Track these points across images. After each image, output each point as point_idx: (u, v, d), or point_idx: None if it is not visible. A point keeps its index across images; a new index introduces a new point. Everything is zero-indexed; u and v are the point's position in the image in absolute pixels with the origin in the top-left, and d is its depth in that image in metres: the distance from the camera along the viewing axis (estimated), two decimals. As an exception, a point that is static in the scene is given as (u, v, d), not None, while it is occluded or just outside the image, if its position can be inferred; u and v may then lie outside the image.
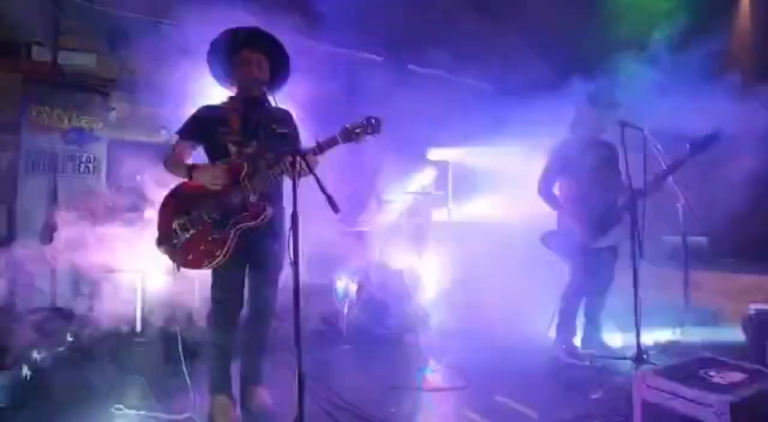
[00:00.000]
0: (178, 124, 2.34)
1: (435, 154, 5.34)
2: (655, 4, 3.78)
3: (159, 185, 4.52)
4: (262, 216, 2.12)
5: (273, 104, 2.03)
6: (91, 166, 4.47)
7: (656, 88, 3.64)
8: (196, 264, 2.11)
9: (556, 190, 3.32)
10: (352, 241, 4.19)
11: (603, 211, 3.14)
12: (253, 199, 2.12)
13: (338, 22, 4.40)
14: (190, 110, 2.36)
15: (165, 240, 2.13)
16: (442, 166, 5.30)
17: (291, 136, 1.73)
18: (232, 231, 2.10)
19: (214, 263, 2.10)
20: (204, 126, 2.22)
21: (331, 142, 2.01)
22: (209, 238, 2.09)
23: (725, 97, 3.40)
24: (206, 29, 2.53)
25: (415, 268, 4.13)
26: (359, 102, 4.75)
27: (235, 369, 2.31)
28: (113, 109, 4.60)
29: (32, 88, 4.27)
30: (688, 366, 2.01)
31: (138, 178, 4.67)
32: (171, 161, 2.24)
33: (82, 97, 4.45)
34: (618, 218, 3.14)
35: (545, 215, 3.39)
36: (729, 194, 3.89)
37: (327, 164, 2.32)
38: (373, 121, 1.99)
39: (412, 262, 4.22)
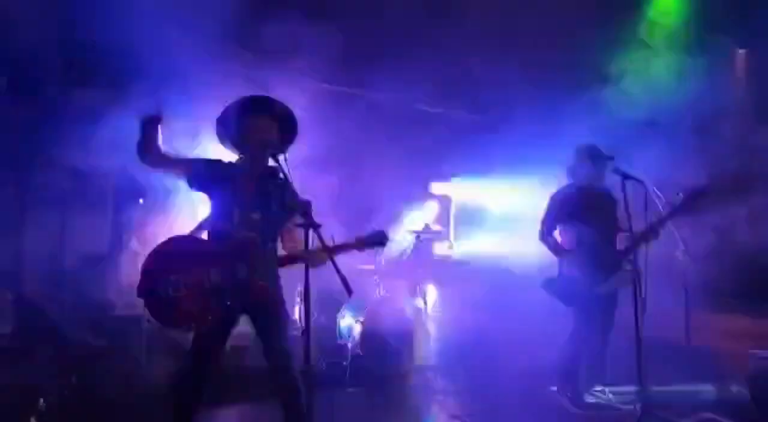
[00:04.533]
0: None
1: (437, 188, 5.42)
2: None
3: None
4: (263, 297, 2.15)
5: (284, 170, 2.04)
6: (98, 199, 4.52)
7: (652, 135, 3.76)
8: (182, 324, 2.08)
9: (557, 236, 3.37)
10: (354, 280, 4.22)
11: (603, 258, 3.19)
12: (256, 275, 2.13)
13: (338, 61, 4.52)
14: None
15: (150, 291, 2.05)
16: (444, 202, 5.36)
17: (303, 209, 1.76)
18: (229, 301, 2.09)
19: (199, 327, 2.07)
20: (215, 175, 2.21)
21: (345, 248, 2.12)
22: (202, 303, 2.05)
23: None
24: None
25: (418, 306, 4.14)
26: (362, 138, 4.85)
27: None
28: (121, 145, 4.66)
29: (43, 124, 4.35)
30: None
31: (141, 200, 4.76)
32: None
33: (89, 134, 4.53)
34: (618, 264, 3.19)
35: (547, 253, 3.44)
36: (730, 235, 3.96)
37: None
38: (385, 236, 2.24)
39: (415, 300, 4.24)
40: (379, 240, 2.25)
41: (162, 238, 2.19)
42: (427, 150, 5.35)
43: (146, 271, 2.09)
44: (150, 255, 2.12)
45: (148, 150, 2.17)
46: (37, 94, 4.32)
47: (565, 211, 3.31)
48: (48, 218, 4.26)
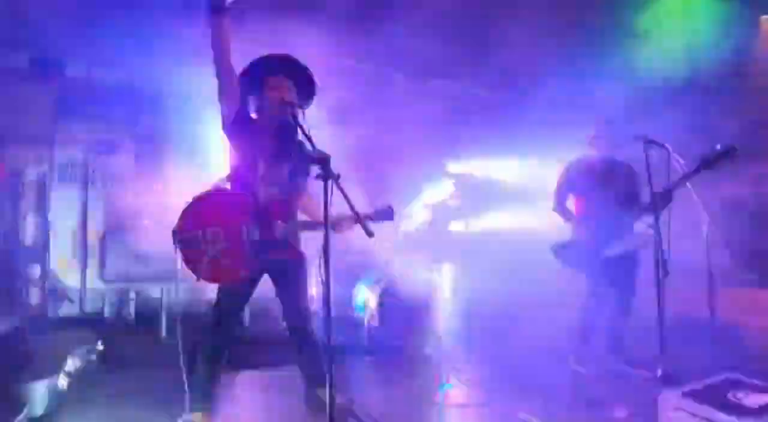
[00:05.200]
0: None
1: (453, 166, 5.39)
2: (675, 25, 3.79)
3: (179, 192, 4.73)
4: (294, 257, 2.22)
5: (304, 124, 2.04)
6: (119, 177, 4.62)
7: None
8: (214, 278, 2.09)
9: (570, 205, 3.37)
10: (371, 252, 4.24)
11: (615, 223, 3.16)
12: (290, 235, 2.19)
13: (359, 38, 4.49)
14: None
15: (188, 242, 2.04)
16: (459, 178, 5.34)
17: (324, 160, 1.77)
18: (264, 258, 2.13)
19: (232, 281, 2.11)
20: (245, 123, 2.23)
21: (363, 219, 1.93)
22: (238, 257, 2.09)
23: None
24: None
25: (434, 280, 4.13)
26: (379, 114, 4.84)
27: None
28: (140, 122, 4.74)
29: (65, 103, 4.45)
30: (717, 388, 2.00)
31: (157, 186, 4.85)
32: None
33: (111, 110, 4.61)
34: (629, 226, 3.15)
35: (563, 226, 3.43)
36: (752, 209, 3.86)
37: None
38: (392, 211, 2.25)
39: (431, 273, 4.24)
40: (387, 215, 2.26)
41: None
42: (443, 128, 5.33)
43: (184, 221, 2.08)
44: (189, 205, 2.10)
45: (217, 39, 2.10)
46: (60, 72, 4.41)
47: (579, 180, 3.33)
48: (72, 194, 4.36)
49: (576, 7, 3.82)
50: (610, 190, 3.22)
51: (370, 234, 1.66)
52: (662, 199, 2.87)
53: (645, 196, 3.10)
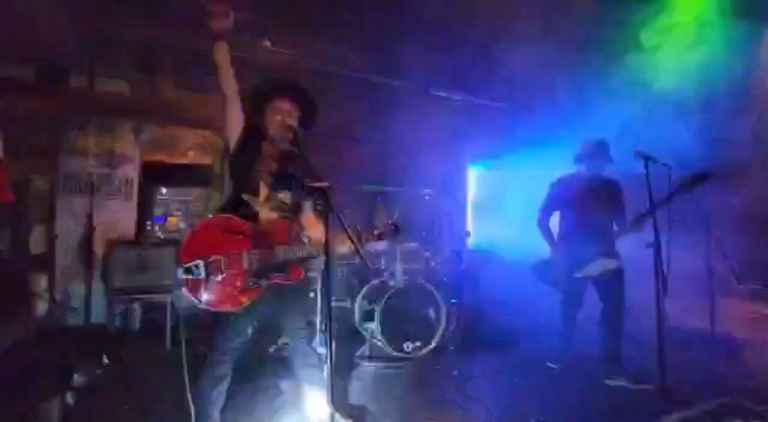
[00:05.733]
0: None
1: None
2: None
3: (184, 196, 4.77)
4: (299, 280, 2.24)
5: (303, 153, 2.07)
6: (123, 187, 4.66)
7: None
8: (216, 305, 2.08)
9: (555, 223, 3.48)
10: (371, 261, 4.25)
11: (591, 245, 3.25)
12: (292, 259, 2.21)
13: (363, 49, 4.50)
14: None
15: (191, 271, 2.03)
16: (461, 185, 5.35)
17: (324, 191, 1.78)
18: (265, 284, 2.14)
19: (235, 309, 2.11)
20: (245, 151, 2.24)
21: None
22: (239, 284, 2.10)
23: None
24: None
25: (436, 289, 4.14)
26: (383, 125, 4.85)
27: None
28: (144, 132, 4.78)
29: (70, 114, 4.49)
30: (712, 414, 2.02)
31: (164, 190, 4.89)
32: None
33: (116, 121, 4.65)
34: (609, 246, 3.28)
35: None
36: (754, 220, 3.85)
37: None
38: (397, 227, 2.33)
39: (433, 283, 4.24)
40: (393, 230, 2.33)
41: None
42: (446, 139, 5.34)
43: (187, 251, 2.07)
44: (190, 234, 2.11)
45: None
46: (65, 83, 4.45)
47: (562, 199, 3.43)
48: (77, 204, 4.40)
49: (585, 22, 3.82)
50: (593, 211, 3.30)
51: (369, 267, 1.68)
52: (642, 219, 3.01)
53: (630, 215, 3.19)
